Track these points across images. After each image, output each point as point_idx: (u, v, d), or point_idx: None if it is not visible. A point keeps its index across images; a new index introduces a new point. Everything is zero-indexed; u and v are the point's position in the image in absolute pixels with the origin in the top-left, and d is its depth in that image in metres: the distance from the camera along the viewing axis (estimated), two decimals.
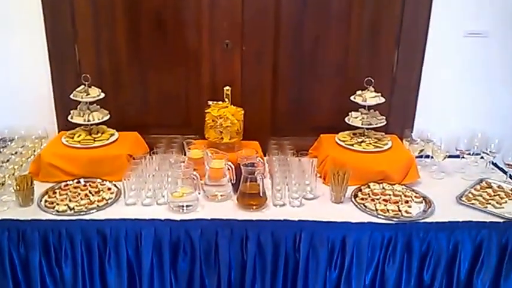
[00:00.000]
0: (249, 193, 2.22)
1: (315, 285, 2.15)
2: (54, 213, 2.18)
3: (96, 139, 2.55)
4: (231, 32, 2.66)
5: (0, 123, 2.73)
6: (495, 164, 2.69)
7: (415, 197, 2.36)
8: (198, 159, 2.43)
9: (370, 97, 2.56)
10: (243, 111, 2.58)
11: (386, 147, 2.58)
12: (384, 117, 2.64)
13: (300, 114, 2.86)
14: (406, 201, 2.32)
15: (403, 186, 2.44)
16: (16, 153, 2.54)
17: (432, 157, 2.63)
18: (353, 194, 2.37)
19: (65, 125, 2.67)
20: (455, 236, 2.14)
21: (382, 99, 2.59)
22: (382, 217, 2.20)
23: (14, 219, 2.12)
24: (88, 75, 2.54)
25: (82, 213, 2.19)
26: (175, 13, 2.66)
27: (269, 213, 2.23)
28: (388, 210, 2.24)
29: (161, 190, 2.30)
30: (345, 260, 2.13)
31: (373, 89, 2.58)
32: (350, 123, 2.63)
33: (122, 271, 2.13)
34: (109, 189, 2.38)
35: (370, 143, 2.58)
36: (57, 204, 2.23)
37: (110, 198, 2.30)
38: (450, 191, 2.40)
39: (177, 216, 2.17)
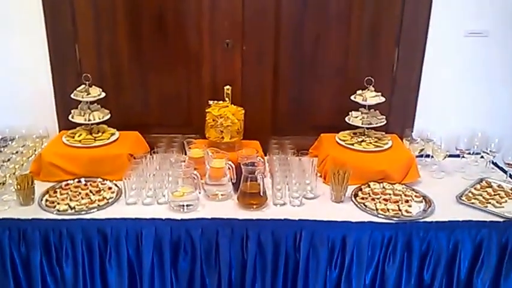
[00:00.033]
0: (250, 192, 2.23)
1: (315, 285, 2.15)
2: (55, 212, 2.18)
3: (96, 138, 2.56)
4: (232, 32, 2.66)
5: (1, 122, 2.74)
6: (495, 164, 2.69)
7: (415, 196, 2.36)
8: (199, 158, 2.43)
9: (370, 97, 2.57)
10: (243, 111, 2.59)
11: (386, 146, 2.59)
12: (384, 117, 2.64)
13: (301, 114, 2.86)
14: (406, 201, 2.32)
15: (403, 186, 2.45)
16: (17, 152, 2.55)
17: (432, 156, 2.64)
18: (353, 193, 2.37)
19: (65, 124, 2.68)
20: (456, 236, 2.14)
21: (383, 99, 2.59)
22: (383, 216, 2.20)
23: (15, 219, 2.13)
24: (89, 75, 2.54)
25: (83, 212, 2.19)
26: (176, 15, 2.67)
27: (269, 212, 2.23)
28: (388, 209, 2.25)
29: (162, 189, 2.31)
30: (345, 259, 2.13)
31: (373, 89, 2.58)
32: (350, 122, 2.63)
33: (123, 270, 2.14)
34: (110, 188, 2.38)
35: (371, 143, 2.59)
36: (58, 203, 2.24)
37: (110, 198, 2.30)
38: (450, 191, 2.41)
39: (178, 216, 2.17)
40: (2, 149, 2.59)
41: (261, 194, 2.23)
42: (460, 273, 2.17)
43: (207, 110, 2.56)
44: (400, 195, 2.36)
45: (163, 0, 2.64)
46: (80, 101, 2.56)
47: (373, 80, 2.56)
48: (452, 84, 2.83)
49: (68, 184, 2.40)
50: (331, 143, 2.65)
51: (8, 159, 2.45)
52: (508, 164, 2.49)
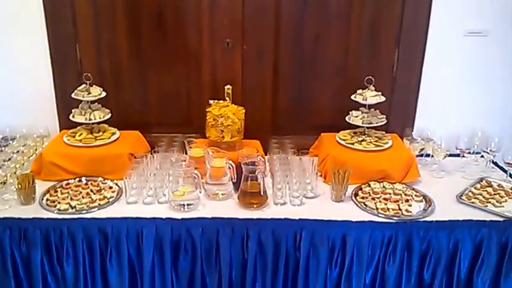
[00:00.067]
0: (250, 192, 2.23)
1: (315, 284, 2.16)
2: (55, 211, 2.19)
3: (97, 138, 2.56)
4: (232, 30, 2.66)
5: (1, 122, 2.74)
6: (495, 163, 2.69)
7: (416, 195, 2.36)
8: (199, 158, 2.43)
9: (370, 96, 2.57)
10: (243, 110, 2.59)
11: (386, 146, 2.59)
12: (384, 116, 2.65)
13: (301, 113, 2.87)
14: (407, 200, 2.32)
15: (404, 185, 2.45)
16: (18, 151, 2.55)
17: (432, 156, 2.64)
18: (353, 192, 2.37)
19: (66, 123, 2.68)
20: (456, 235, 2.14)
21: (383, 98, 2.59)
22: (383, 216, 2.21)
23: (16, 218, 2.13)
24: (89, 74, 2.54)
25: (83, 211, 2.19)
26: (175, 13, 2.67)
27: (270, 211, 2.23)
28: (388, 209, 2.25)
29: (162, 189, 2.31)
30: (346, 258, 2.14)
31: (373, 88, 2.58)
32: (351, 122, 2.64)
33: (123, 270, 2.14)
34: (110, 187, 2.39)
35: (371, 142, 2.59)
36: (59, 202, 2.24)
37: (111, 197, 2.30)
38: (450, 190, 2.41)
39: (178, 215, 2.17)
40: (2, 148, 2.59)
41: (262, 193, 2.23)
42: (460, 273, 2.17)
43: (207, 110, 2.56)
44: (400, 194, 2.36)
45: None
46: (81, 101, 2.56)
47: (373, 79, 2.57)
48: (453, 84, 2.83)
49: (68, 183, 2.41)
50: (331, 142, 2.65)
51: (9, 159, 2.45)
52: (508, 163, 2.50)
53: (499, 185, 2.48)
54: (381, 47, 2.75)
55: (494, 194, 2.39)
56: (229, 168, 2.32)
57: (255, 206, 2.24)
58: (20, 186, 2.21)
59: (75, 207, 2.21)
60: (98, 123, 2.60)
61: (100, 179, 2.44)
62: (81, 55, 2.72)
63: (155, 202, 2.28)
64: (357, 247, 2.13)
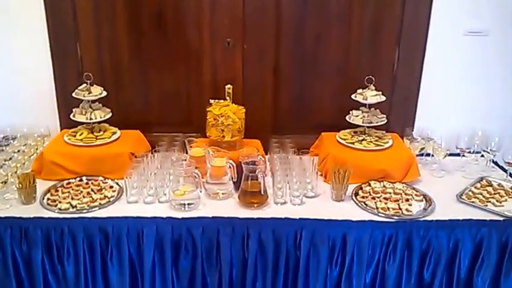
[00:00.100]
0: (250, 191, 2.23)
1: (315, 283, 2.16)
2: (56, 211, 2.19)
3: (98, 137, 2.56)
4: (232, 30, 2.67)
5: (2, 121, 2.74)
6: (495, 162, 2.70)
7: (416, 195, 2.36)
8: (200, 157, 2.43)
9: (370, 95, 2.57)
10: (244, 110, 2.59)
11: (387, 145, 2.59)
12: (385, 116, 2.65)
13: (301, 113, 2.87)
14: (407, 200, 2.32)
15: (404, 185, 2.45)
16: (19, 151, 2.55)
17: (433, 155, 2.64)
18: (354, 192, 2.37)
19: (67, 123, 2.69)
20: (456, 234, 2.15)
21: (383, 98, 2.59)
22: (383, 215, 2.21)
23: (17, 217, 2.13)
24: (90, 74, 2.55)
25: (84, 211, 2.20)
26: (175, 13, 2.67)
27: (270, 211, 2.23)
28: (388, 208, 2.25)
29: (163, 188, 2.31)
30: (346, 258, 2.14)
31: (373, 88, 2.58)
32: (351, 121, 2.64)
33: (124, 269, 2.14)
34: (111, 187, 2.39)
35: (371, 142, 2.59)
36: (60, 202, 2.24)
37: (112, 196, 2.31)
38: (450, 189, 2.41)
39: (179, 214, 2.18)
40: (3, 148, 2.59)
41: (262, 192, 2.23)
42: (460, 272, 2.18)
43: (208, 109, 2.56)
44: (401, 194, 2.37)
45: None
46: (82, 100, 2.56)
47: (373, 79, 2.57)
48: (453, 83, 2.83)
49: (69, 183, 2.41)
50: (331, 141, 2.65)
51: (10, 158, 2.45)
52: (508, 162, 2.50)
53: (499, 185, 2.49)
54: (381, 46, 2.75)
55: (494, 194, 2.39)
56: (229, 167, 2.33)
57: (255, 205, 2.24)
58: (20, 185, 2.21)
59: (75, 206, 2.22)
60: (99, 122, 2.60)
61: (101, 178, 2.45)
62: (82, 54, 2.72)
63: (156, 201, 2.28)
64: (357, 246, 2.13)
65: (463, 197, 2.35)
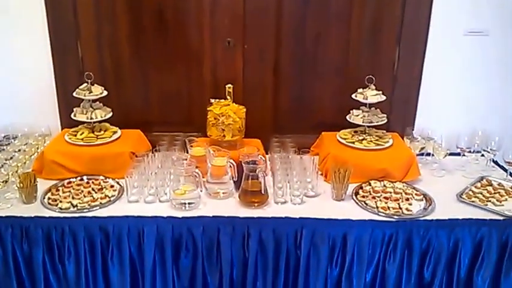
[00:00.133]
0: (251, 190, 2.23)
1: (316, 283, 2.16)
2: (57, 210, 2.19)
3: (99, 137, 2.56)
4: (232, 30, 2.67)
5: (3, 120, 2.74)
6: (495, 162, 2.70)
7: (416, 194, 2.37)
8: (200, 156, 2.44)
9: (371, 95, 2.57)
10: (244, 109, 2.59)
11: (387, 145, 2.59)
12: (385, 115, 2.65)
13: (302, 112, 2.87)
14: (407, 199, 2.33)
15: (404, 184, 2.45)
16: (19, 150, 2.56)
17: (433, 155, 2.64)
18: (354, 191, 2.38)
19: (67, 122, 2.69)
20: (456, 234, 2.15)
21: (383, 97, 2.59)
22: (383, 215, 2.21)
23: (18, 216, 2.14)
24: (91, 73, 2.55)
25: (85, 210, 2.20)
26: (176, 11, 2.68)
27: (270, 210, 2.24)
28: (388, 207, 2.25)
29: (163, 187, 2.31)
30: (346, 257, 2.14)
31: (374, 87, 2.58)
32: (351, 121, 2.64)
33: (125, 268, 2.15)
34: (112, 186, 2.39)
35: (371, 141, 2.59)
36: (60, 201, 2.25)
37: (112, 196, 2.31)
38: (451, 189, 2.41)
39: (179, 214, 2.18)
40: (4, 147, 2.60)
41: (262, 192, 2.24)
42: (460, 271, 2.18)
43: (208, 109, 2.56)
44: (401, 193, 2.37)
45: None
46: (82, 99, 2.56)
47: (374, 78, 2.57)
48: (453, 83, 2.83)
49: (70, 182, 2.41)
50: (332, 141, 2.65)
51: (11, 158, 2.46)
52: (508, 162, 2.50)
53: (499, 184, 2.49)
54: (381, 46, 2.75)
55: (495, 193, 2.40)
56: (230, 167, 2.33)
57: (255, 204, 2.24)
58: (21, 185, 2.21)
59: (76, 205, 2.22)
60: (100, 122, 2.61)
61: (101, 177, 2.45)
62: (83, 54, 2.72)
63: (156, 201, 2.29)
64: (358, 246, 2.13)
65: (463, 196, 2.36)
